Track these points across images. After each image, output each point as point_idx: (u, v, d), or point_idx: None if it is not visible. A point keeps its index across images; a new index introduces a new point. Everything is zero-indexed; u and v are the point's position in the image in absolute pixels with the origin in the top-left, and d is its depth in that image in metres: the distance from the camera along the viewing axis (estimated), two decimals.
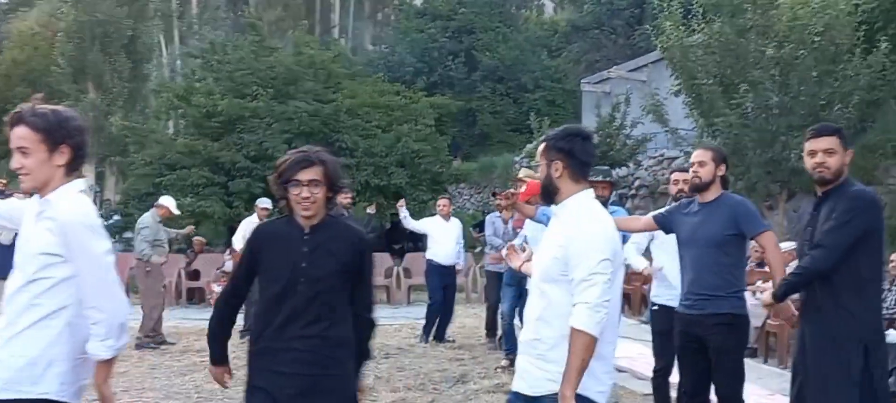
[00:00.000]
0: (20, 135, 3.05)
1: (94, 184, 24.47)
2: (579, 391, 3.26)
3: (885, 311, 7.02)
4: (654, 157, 19.63)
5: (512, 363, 8.83)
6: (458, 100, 25.30)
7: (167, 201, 11.86)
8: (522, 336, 3.66)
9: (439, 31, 34.04)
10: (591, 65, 30.67)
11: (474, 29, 34.07)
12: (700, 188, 5.05)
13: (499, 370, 9.10)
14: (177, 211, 12.25)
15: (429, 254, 11.69)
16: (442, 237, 11.60)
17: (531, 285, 3.70)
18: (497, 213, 10.68)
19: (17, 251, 3.15)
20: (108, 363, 3.11)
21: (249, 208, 20.34)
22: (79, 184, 3.18)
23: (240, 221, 20.09)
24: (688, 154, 11.20)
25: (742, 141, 13.30)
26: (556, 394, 3.26)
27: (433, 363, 9.91)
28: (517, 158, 24.13)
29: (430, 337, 11.35)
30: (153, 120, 24.14)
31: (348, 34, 43.69)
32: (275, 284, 3.64)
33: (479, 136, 32.66)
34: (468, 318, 13.53)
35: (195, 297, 16.16)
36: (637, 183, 19.74)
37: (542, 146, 3.59)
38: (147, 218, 11.60)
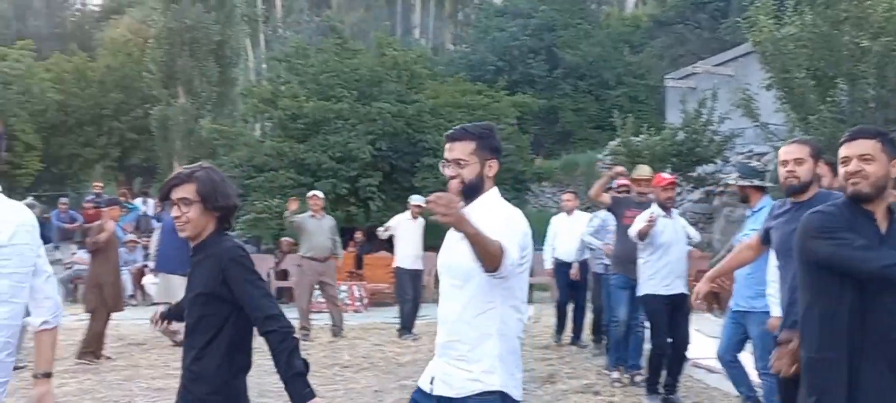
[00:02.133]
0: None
1: None
2: (500, 388, 3.36)
3: None
4: (743, 154, 19.21)
5: (632, 378, 8.74)
6: (539, 99, 25.17)
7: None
8: (438, 340, 3.58)
9: (520, 29, 33.96)
10: (674, 60, 30.18)
11: (555, 26, 33.90)
12: (799, 189, 4.61)
13: (618, 383, 8.69)
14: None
15: (555, 254, 11.67)
16: (566, 235, 11.52)
17: (444, 287, 3.58)
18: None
19: None
20: None
21: (335, 208, 20.61)
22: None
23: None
24: (776, 149, 10.90)
25: (837, 136, 12.92)
26: (483, 393, 3.36)
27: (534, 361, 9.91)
28: (600, 155, 23.90)
29: (563, 336, 11.55)
30: (241, 123, 24.60)
31: (429, 34, 43.89)
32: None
33: (561, 134, 32.48)
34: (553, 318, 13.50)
35: (284, 296, 16.40)
36: (724, 180, 19.35)
37: (469, 144, 3.50)
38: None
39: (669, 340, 7.75)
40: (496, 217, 3.38)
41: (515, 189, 20.05)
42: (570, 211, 11.63)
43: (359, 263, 17.95)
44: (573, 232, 11.04)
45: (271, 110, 20.81)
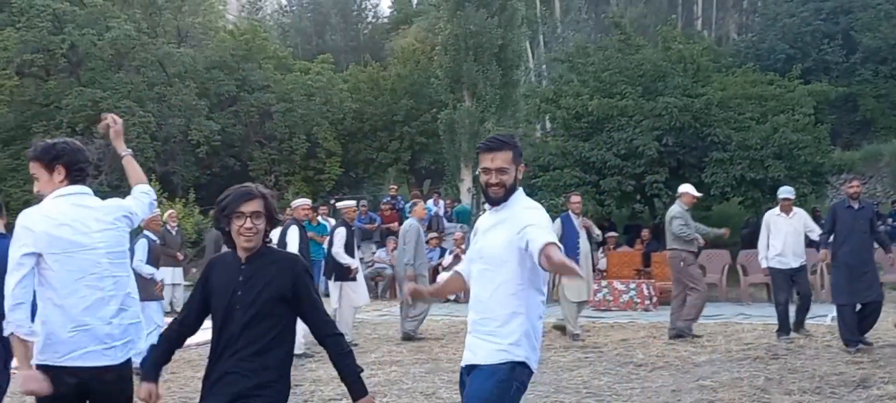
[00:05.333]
0: None
1: (471, 186, 25.90)
2: (524, 359, 3.93)
3: None
4: None
5: None
6: (836, 86, 23.61)
7: (686, 188, 12.11)
8: (471, 317, 4.08)
9: (812, 13, 32.03)
10: None
11: (852, 8, 31.65)
12: None
13: None
14: (698, 194, 12.51)
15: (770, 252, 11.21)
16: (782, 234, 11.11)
17: (476, 271, 4.08)
18: None
19: None
20: None
21: (621, 205, 20.49)
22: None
23: (610, 219, 20.42)
24: None
25: None
26: (506, 362, 3.89)
27: (827, 365, 9.35)
28: None
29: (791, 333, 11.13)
30: (524, 123, 25.05)
31: (711, 25, 42.45)
32: (216, 313, 3.85)
33: (862, 123, 30.31)
34: None
35: None
36: None
37: (508, 153, 4.02)
38: (675, 209, 11.87)
39: None
40: (534, 213, 3.93)
41: (813, 182, 18.92)
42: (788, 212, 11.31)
43: (646, 261, 17.72)
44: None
45: (554, 110, 21.02)
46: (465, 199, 25.52)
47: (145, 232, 10.40)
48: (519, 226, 3.82)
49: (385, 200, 23.46)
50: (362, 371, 3.87)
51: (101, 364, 4.02)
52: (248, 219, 3.76)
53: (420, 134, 31.02)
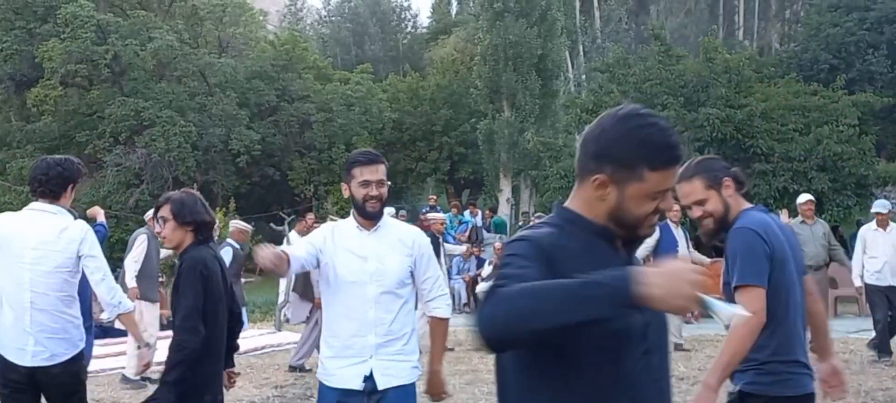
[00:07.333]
0: None
1: (510, 196, 25.87)
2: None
3: None
4: None
5: None
6: (882, 96, 23.23)
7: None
8: (371, 341, 3.94)
9: (856, 23, 31.55)
10: None
11: None
12: None
13: None
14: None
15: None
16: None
17: (376, 295, 3.95)
18: None
19: None
20: None
21: (662, 217, 20.22)
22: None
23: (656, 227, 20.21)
24: None
25: None
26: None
27: (873, 380, 9.17)
28: None
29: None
30: (564, 134, 24.94)
31: (753, 35, 42.04)
32: None
33: None
34: None
35: None
36: None
37: (384, 166, 4.05)
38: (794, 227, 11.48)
39: None
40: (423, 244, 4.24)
41: (857, 194, 18.63)
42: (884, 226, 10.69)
43: None
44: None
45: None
46: (504, 210, 25.45)
47: (229, 240, 10.45)
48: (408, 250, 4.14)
49: (423, 210, 23.44)
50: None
51: None
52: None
53: (459, 144, 31.04)
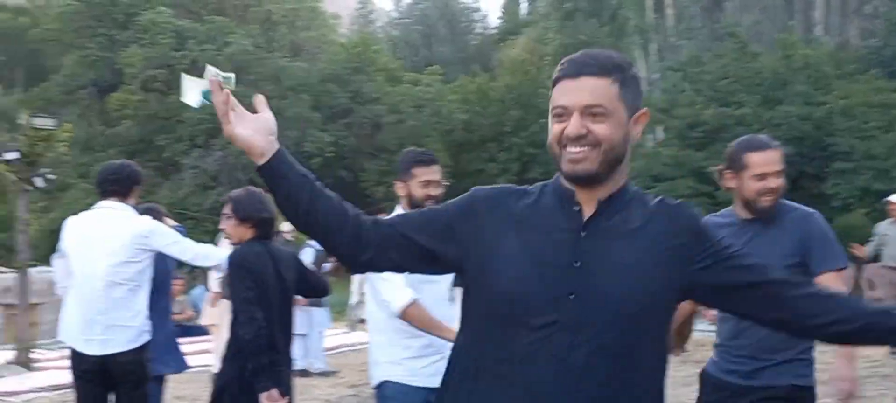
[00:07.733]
0: None
1: None
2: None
3: None
4: None
5: None
6: None
7: None
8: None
9: None
10: None
11: None
12: None
13: None
14: None
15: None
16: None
17: (449, 292, 4.03)
18: None
19: None
20: None
21: None
22: None
23: None
24: None
25: None
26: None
27: None
28: None
29: None
30: None
31: (831, 31, 41.00)
32: None
33: None
34: None
35: None
36: None
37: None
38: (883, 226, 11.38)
39: None
40: None
41: None
42: None
43: None
44: None
45: (667, 119, 20.66)
46: None
47: (309, 241, 10.66)
48: None
49: None
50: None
51: None
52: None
53: (529, 144, 30.88)
